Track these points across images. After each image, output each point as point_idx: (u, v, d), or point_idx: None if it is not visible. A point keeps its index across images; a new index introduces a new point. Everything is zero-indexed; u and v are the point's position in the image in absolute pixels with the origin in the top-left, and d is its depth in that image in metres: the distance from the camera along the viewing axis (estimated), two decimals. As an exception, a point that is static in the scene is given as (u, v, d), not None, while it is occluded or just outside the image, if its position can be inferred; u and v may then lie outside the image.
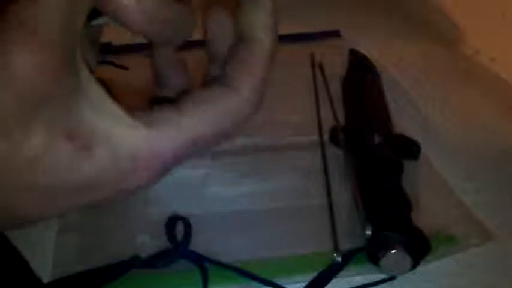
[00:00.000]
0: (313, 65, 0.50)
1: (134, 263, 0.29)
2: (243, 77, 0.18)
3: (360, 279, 0.31)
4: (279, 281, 0.30)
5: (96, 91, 0.16)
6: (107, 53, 0.49)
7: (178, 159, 0.17)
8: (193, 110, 0.17)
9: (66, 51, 0.15)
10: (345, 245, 0.31)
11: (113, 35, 0.48)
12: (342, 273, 0.30)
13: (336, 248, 0.31)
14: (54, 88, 0.15)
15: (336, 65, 0.49)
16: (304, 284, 0.30)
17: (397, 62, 0.53)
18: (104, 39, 0.29)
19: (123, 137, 0.16)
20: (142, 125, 0.16)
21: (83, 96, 0.15)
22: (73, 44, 0.15)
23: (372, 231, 0.31)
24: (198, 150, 0.18)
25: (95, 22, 0.17)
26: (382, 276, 0.31)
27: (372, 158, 0.37)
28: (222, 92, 0.17)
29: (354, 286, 0.30)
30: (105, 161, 0.16)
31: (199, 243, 0.31)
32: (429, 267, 0.31)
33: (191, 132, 0.17)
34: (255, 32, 0.18)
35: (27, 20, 0.14)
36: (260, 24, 0.18)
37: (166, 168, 0.18)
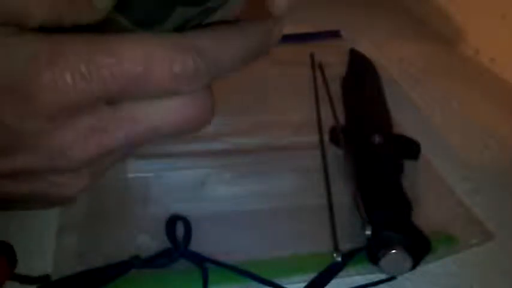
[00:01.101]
0: (313, 65, 0.50)
1: (134, 263, 0.29)
2: None
3: (360, 279, 0.31)
4: (279, 281, 0.30)
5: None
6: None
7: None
8: None
9: None
10: (345, 245, 0.31)
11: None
12: (342, 273, 0.30)
13: (336, 248, 0.31)
14: None
15: (336, 65, 0.49)
16: (304, 284, 0.30)
17: (397, 62, 0.53)
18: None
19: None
20: None
21: None
22: None
23: (372, 231, 0.31)
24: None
25: None
26: (382, 276, 0.31)
27: (372, 158, 0.37)
28: None
29: (354, 286, 0.30)
30: None
31: (199, 243, 0.31)
32: (429, 267, 0.31)
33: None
34: None
35: None
36: None
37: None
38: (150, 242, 0.32)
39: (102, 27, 0.17)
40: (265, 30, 0.19)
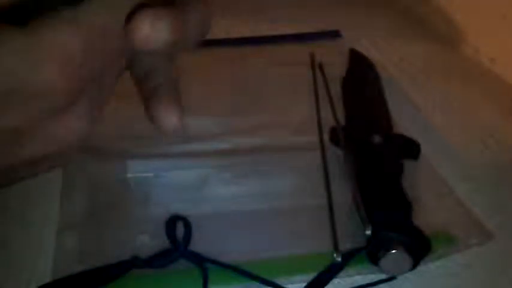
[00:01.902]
0: (313, 65, 0.50)
1: (134, 263, 0.29)
2: None
3: (360, 279, 0.31)
4: (279, 281, 0.30)
5: None
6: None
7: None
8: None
9: None
10: (345, 245, 0.31)
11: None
12: (342, 273, 0.30)
13: (336, 248, 0.31)
14: None
15: (336, 65, 0.49)
16: (304, 284, 0.30)
17: (397, 62, 0.53)
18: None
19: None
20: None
21: None
22: None
23: (372, 231, 0.31)
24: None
25: None
26: (382, 276, 0.31)
27: (372, 158, 0.37)
28: None
29: (354, 286, 0.30)
30: None
31: (199, 243, 0.31)
32: (429, 267, 0.32)
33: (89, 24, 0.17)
34: None
35: None
36: None
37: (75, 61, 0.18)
38: (150, 242, 0.32)
39: None
40: None
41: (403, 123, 0.42)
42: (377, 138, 0.37)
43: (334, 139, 0.40)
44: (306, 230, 0.33)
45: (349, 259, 0.31)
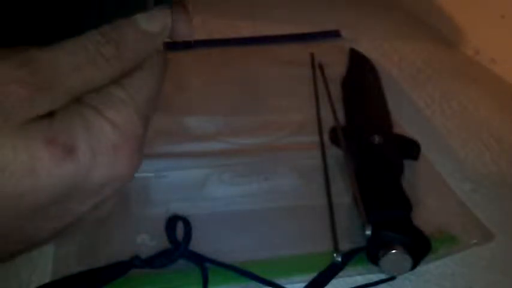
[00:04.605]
0: (313, 65, 0.50)
1: (134, 263, 0.29)
2: None
3: (360, 279, 0.31)
4: (279, 281, 0.30)
5: None
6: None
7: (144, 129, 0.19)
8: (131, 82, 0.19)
9: None
10: (345, 245, 0.31)
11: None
12: (342, 273, 0.30)
13: (336, 248, 0.31)
14: None
15: (336, 65, 0.49)
16: (304, 284, 0.30)
17: (397, 62, 0.53)
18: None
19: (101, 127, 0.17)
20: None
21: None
22: None
23: (372, 231, 0.31)
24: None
25: None
26: (382, 276, 0.31)
27: (372, 158, 0.37)
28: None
29: (354, 286, 0.30)
30: (87, 159, 0.16)
31: (199, 243, 0.31)
32: (429, 267, 0.32)
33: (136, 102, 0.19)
34: None
35: None
36: None
37: (139, 146, 0.19)
38: (150, 242, 0.32)
39: None
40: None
41: (403, 123, 0.42)
42: (377, 138, 0.37)
43: (334, 139, 0.40)
44: (306, 230, 0.33)
45: (349, 259, 0.31)
